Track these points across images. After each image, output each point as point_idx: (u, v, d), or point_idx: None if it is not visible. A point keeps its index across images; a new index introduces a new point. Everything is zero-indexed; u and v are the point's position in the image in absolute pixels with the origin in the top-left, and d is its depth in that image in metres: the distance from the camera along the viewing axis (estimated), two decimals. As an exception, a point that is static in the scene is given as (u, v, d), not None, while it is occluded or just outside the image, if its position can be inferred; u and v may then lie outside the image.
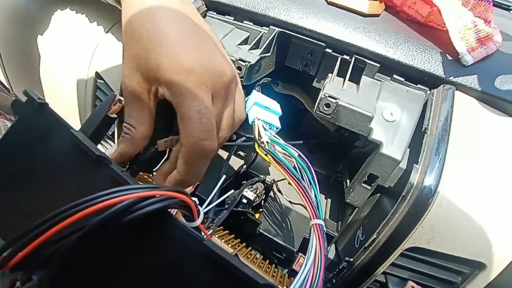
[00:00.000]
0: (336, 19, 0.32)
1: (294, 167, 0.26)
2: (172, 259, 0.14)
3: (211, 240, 0.14)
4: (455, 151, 0.24)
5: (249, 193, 0.33)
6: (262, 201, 0.39)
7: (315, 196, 0.24)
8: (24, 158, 0.18)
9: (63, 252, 0.12)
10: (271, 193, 0.39)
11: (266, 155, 0.27)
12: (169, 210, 0.15)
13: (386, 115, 0.27)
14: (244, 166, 0.42)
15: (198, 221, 0.18)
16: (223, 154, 0.44)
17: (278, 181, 0.39)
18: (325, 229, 0.22)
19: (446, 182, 0.22)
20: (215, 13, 0.36)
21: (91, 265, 0.15)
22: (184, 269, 0.14)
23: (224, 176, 0.29)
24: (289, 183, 0.37)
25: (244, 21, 0.35)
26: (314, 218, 0.22)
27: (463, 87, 0.28)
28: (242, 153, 0.47)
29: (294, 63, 0.38)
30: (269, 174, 0.42)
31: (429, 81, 0.29)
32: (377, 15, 0.33)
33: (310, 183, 0.25)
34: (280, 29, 0.33)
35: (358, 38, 0.30)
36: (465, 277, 0.23)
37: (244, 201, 0.33)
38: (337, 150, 0.47)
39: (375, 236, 0.23)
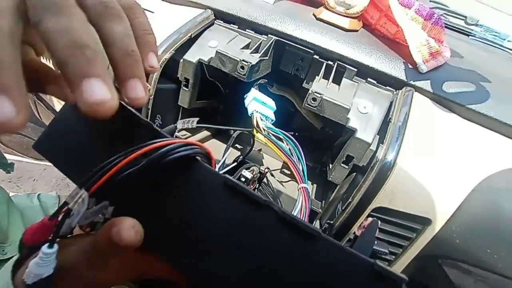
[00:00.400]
0: (323, 31, 0.39)
1: (286, 147, 0.32)
2: (200, 192, 0.20)
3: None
4: (410, 136, 0.30)
5: (247, 173, 0.39)
6: (255, 189, 0.44)
7: (302, 168, 0.30)
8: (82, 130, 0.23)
9: (133, 176, 0.18)
10: (264, 180, 0.45)
11: (264, 137, 0.33)
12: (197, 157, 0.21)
13: (360, 109, 0.34)
14: (241, 157, 0.48)
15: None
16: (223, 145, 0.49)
17: (272, 170, 0.45)
18: (309, 191, 0.27)
19: (403, 157, 0.29)
20: (222, 22, 0.43)
21: (143, 200, 0.20)
22: (209, 199, 0.19)
23: (229, 151, 0.34)
24: (283, 164, 0.43)
25: (247, 30, 0.42)
26: (300, 183, 0.28)
27: (420, 89, 0.35)
28: (239, 146, 0.53)
29: (287, 68, 0.45)
30: (263, 165, 0.48)
31: (395, 84, 0.36)
32: (356, 31, 0.41)
33: (298, 158, 0.31)
34: (276, 38, 0.40)
35: (340, 48, 0.38)
36: (417, 233, 0.29)
37: (243, 179, 0.38)
38: (322, 146, 0.53)
39: (349, 200, 0.29)
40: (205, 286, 0.18)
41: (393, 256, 0.32)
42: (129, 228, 0.17)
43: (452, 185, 0.29)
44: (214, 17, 0.43)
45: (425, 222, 0.29)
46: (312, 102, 0.34)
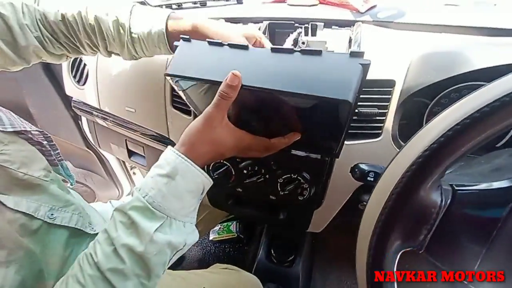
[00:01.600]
0: (296, 9, 0.61)
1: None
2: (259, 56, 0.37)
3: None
4: (363, 42, 0.50)
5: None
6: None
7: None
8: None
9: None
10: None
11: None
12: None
13: (333, 40, 0.54)
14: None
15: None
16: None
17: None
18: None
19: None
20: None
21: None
22: (265, 58, 0.37)
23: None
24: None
25: (249, 23, 0.64)
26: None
27: (364, 21, 0.56)
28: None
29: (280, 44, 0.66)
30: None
31: (349, 24, 0.58)
32: (316, 5, 0.64)
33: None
34: (268, 21, 0.62)
35: (310, 14, 0.60)
36: (391, 93, 0.47)
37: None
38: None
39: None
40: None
41: (383, 117, 0.49)
42: (235, 74, 0.34)
43: (399, 59, 0.48)
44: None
45: (392, 83, 0.48)
46: (302, 45, 0.55)
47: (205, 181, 0.37)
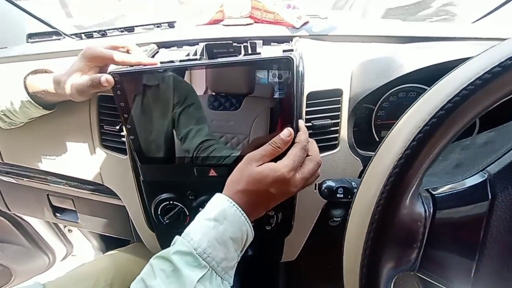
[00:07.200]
0: (232, 29, 0.59)
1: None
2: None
3: None
4: (305, 54, 0.50)
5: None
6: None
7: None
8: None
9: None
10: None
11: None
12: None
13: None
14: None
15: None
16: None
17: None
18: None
19: (305, 63, 0.47)
20: (164, 49, 0.60)
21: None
22: None
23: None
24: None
25: (184, 47, 0.59)
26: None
27: (301, 36, 0.57)
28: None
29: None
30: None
31: (287, 39, 0.57)
32: (251, 24, 0.63)
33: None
34: (205, 43, 0.58)
35: (247, 33, 0.58)
36: (340, 102, 0.47)
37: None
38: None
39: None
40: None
41: (337, 127, 0.48)
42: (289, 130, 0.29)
43: (341, 69, 0.48)
44: (157, 48, 0.60)
45: (340, 92, 0.47)
46: (244, 63, 0.52)
47: (249, 232, 0.36)
